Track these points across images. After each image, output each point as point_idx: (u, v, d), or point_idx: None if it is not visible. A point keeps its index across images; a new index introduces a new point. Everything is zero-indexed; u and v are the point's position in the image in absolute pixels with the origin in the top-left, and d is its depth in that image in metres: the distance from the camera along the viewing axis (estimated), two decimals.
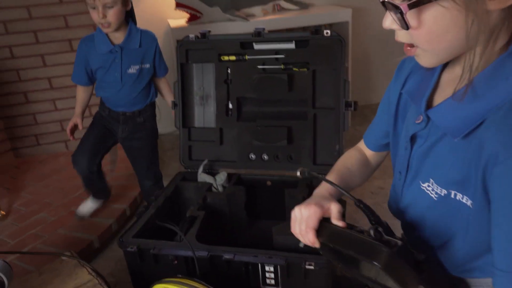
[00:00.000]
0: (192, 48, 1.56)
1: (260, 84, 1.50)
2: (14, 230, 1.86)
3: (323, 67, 1.46)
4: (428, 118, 0.65)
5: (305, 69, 1.48)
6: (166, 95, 1.96)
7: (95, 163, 1.85)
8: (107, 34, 1.71)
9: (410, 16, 0.55)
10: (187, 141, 1.61)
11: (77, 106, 1.87)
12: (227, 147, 1.59)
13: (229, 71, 1.55)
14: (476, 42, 0.54)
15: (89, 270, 1.09)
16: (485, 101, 0.55)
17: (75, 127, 1.86)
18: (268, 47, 1.50)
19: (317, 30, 1.45)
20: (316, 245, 0.74)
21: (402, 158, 0.73)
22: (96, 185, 1.92)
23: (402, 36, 0.60)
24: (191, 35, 1.56)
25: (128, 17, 1.76)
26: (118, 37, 1.72)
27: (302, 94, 1.49)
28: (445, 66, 0.66)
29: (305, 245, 1.13)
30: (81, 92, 1.86)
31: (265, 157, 1.54)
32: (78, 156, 1.83)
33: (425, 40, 0.58)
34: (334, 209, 0.72)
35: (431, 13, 0.54)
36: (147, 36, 1.78)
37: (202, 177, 1.51)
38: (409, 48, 0.61)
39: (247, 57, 1.52)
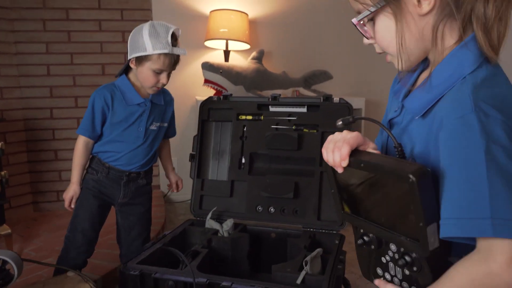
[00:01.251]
0: (214, 107, 1.74)
1: (272, 141, 1.63)
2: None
3: (331, 130, 1.59)
4: (403, 106, 0.77)
5: (315, 131, 1.61)
6: (165, 158, 1.83)
7: (94, 245, 1.66)
8: (133, 86, 1.58)
9: (369, 29, 0.71)
10: (200, 190, 1.70)
11: (78, 170, 1.59)
12: (237, 199, 1.67)
13: (245, 128, 1.70)
14: (423, 42, 0.68)
15: (92, 286, 1.13)
16: (440, 86, 0.67)
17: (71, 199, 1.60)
18: (282, 110, 1.66)
19: (327, 97, 1.61)
20: (344, 163, 0.70)
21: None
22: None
23: (376, 47, 0.75)
24: (214, 96, 1.75)
25: None
26: (144, 93, 1.60)
27: (311, 153, 1.60)
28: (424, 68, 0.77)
29: (302, 282, 1.16)
30: (84, 152, 1.58)
31: (272, 209, 1.61)
32: (77, 246, 1.60)
33: (384, 45, 0.72)
34: (372, 145, 0.76)
35: (379, 24, 0.69)
36: (168, 95, 1.73)
37: (210, 223, 1.57)
38: (387, 56, 0.75)
39: (262, 117, 1.67)
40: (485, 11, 0.62)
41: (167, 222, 2.54)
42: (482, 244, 0.58)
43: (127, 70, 1.60)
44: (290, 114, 1.64)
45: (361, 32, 0.73)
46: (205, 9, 2.88)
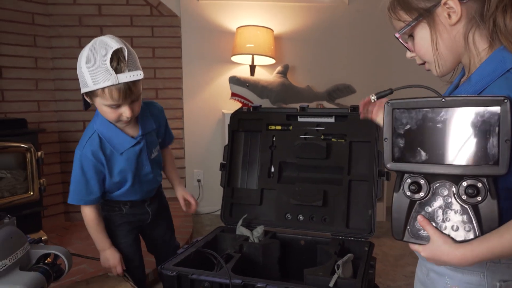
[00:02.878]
0: (244, 118, 1.80)
1: (301, 150, 1.67)
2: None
3: (359, 139, 1.63)
4: None
5: (343, 140, 1.65)
6: (169, 170, 1.59)
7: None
8: (118, 127, 1.30)
9: (411, 42, 0.82)
10: (230, 199, 1.75)
11: (101, 236, 1.40)
12: (266, 207, 1.71)
13: (274, 138, 1.75)
14: (456, 48, 0.78)
15: (132, 284, 1.18)
16: (481, 81, 0.75)
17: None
18: (310, 120, 1.71)
19: (354, 108, 1.65)
20: None
21: None
22: None
23: (417, 59, 0.85)
24: (245, 108, 1.81)
25: None
26: (131, 126, 1.33)
27: (339, 162, 1.64)
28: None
29: (335, 285, 1.19)
30: (95, 218, 1.37)
31: (301, 217, 1.65)
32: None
33: (421, 54, 0.82)
34: None
35: (417, 35, 0.81)
36: (155, 109, 1.45)
37: (240, 230, 1.61)
38: (426, 65, 0.84)
39: (291, 127, 1.72)
40: (505, 23, 0.71)
41: (194, 233, 2.59)
42: None
43: None
44: (318, 124, 1.69)
45: (404, 45, 0.84)
46: (232, 25, 2.97)
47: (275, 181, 1.71)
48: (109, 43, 1.14)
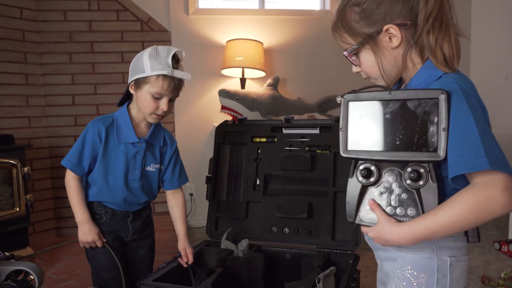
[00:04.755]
0: (229, 131, 1.79)
1: (286, 162, 1.66)
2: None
3: None
4: None
5: (327, 151, 1.64)
6: (176, 219, 1.55)
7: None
8: (132, 123, 1.41)
9: (356, 60, 0.91)
10: (215, 212, 1.73)
11: (80, 207, 1.40)
12: (251, 220, 1.70)
13: (259, 151, 1.74)
14: (397, 66, 0.88)
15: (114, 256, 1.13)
16: (418, 87, 0.85)
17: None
18: (295, 131, 1.70)
19: (339, 119, 1.64)
20: None
21: None
22: None
23: (362, 74, 0.94)
24: (230, 120, 1.81)
25: None
26: (142, 129, 1.43)
27: (324, 174, 1.62)
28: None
29: None
30: (77, 187, 1.40)
31: (286, 230, 1.63)
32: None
33: (367, 72, 0.91)
34: None
35: (362, 56, 0.90)
36: (170, 136, 1.52)
37: (225, 243, 1.59)
38: (371, 79, 0.94)
39: (276, 139, 1.71)
40: (428, 41, 0.83)
41: None
42: (481, 178, 0.73)
43: (129, 100, 1.45)
44: (303, 135, 1.68)
45: (351, 62, 0.93)
46: (222, 39, 2.99)
47: (261, 194, 1.69)
48: (171, 47, 1.36)
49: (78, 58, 2.84)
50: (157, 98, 1.33)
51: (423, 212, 0.80)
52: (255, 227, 1.68)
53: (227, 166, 1.79)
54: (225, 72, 2.92)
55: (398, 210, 0.82)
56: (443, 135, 0.77)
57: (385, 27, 0.84)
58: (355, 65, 0.92)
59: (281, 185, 1.70)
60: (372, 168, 0.84)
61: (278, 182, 1.71)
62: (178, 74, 1.33)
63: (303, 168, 1.64)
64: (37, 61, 2.78)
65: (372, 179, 0.85)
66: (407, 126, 0.80)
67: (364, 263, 1.72)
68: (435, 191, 0.79)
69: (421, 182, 0.80)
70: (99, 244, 1.41)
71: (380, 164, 0.84)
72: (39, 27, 2.78)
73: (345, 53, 0.91)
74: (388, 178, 0.83)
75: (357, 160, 0.86)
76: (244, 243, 1.57)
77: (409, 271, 0.86)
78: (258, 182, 1.72)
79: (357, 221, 0.87)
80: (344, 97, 0.87)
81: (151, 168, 1.46)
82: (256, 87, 3.03)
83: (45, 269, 2.29)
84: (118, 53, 2.89)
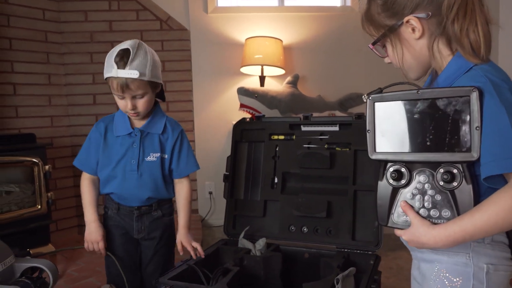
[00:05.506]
0: (247, 128, 1.76)
1: (304, 160, 1.62)
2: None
3: (364, 148, 1.57)
4: None
5: (347, 149, 1.60)
6: (178, 209, 1.50)
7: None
8: (129, 118, 1.42)
9: (383, 51, 0.92)
10: (233, 211, 1.71)
11: (89, 207, 1.44)
12: (269, 218, 1.67)
13: (277, 148, 1.71)
14: (424, 58, 0.86)
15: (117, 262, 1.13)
16: (446, 80, 0.83)
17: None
18: (314, 129, 1.66)
19: (359, 115, 1.60)
20: None
21: None
22: None
23: (394, 64, 0.93)
24: (247, 118, 1.78)
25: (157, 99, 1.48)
26: (140, 121, 1.43)
27: (343, 172, 1.58)
28: None
29: None
30: (88, 187, 1.44)
31: (305, 229, 1.59)
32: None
33: (395, 63, 0.91)
34: None
35: (388, 47, 0.90)
36: (172, 123, 1.47)
37: (242, 242, 1.57)
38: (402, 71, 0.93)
39: (294, 137, 1.68)
40: (453, 30, 0.81)
41: (203, 245, 2.55)
42: None
43: None
44: (322, 133, 1.64)
45: (377, 55, 0.94)
46: (241, 37, 2.97)
47: (279, 192, 1.66)
48: (124, 43, 1.29)
49: (99, 58, 2.87)
50: (121, 97, 1.32)
51: (458, 214, 0.77)
52: (273, 226, 1.65)
53: (244, 164, 1.77)
54: (244, 70, 2.89)
55: (432, 212, 0.80)
56: (476, 134, 0.74)
57: (406, 19, 0.83)
58: (382, 57, 0.93)
59: (300, 183, 1.67)
60: (403, 169, 0.82)
61: (296, 181, 1.67)
62: (122, 73, 1.26)
63: (322, 166, 1.60)
64: (59, 62, 2.82)
65: (403, 181, 0.83)
66: (437, 126, 0.78)
67: (386, 264, 1.67)
68: (470, 192, 0.76)
69: (455, 184, 0.77)
70: (100, 245, 1.42)
71: (411, 165, 0.82)
72: (61, 28, 2.82)
73: (369, 45, 0.91)
74: (419, 179, 0.82)
75: (386, 162, 0.85)
76: (261, 242, 1.54)
77: (445, 274, 0.83)
78: (276, 180, 1.69)
79: (389, 224, 0.85)
80: (370, 97, 0.85)
81: (151, 157, 1.42)
82: (276, 85, 3.00)
83: (66, 266, 2.32)
84: None
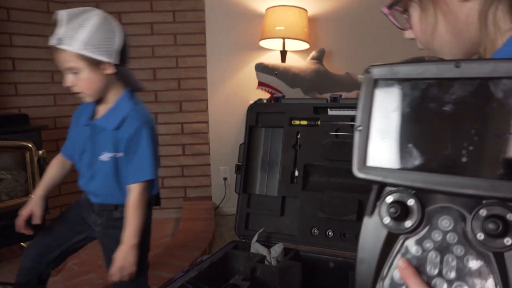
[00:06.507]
0: (263, 111, 1.51)
1: (331, 150, 1.36)
2: None
3: None
4: None
5: None
6: (128, 215, 1.26)
7: (48, 259, 1.37)
8: (100, 103, 1.29)
9: (403, 19, 0.66)
10: (246, 207, 1.48)
11: (41, 183, 1.37)
12: (288, 218, 1.42)
13: (298, 136, 1.45)
14: (469, 32, 0.59)
15: None
16: None
17: (29, 217, 1.33)
18: (343, 113, 1.39)
19: None
20: None
21: None
22: None
23: (418, 42, 0.69)
24: (264, 99, 1.52)
25: (125, 84, 1.31)
26: (101, 111, 1.30)
27: None
28: None
29: None
30: (55, 165, 1.40)
31: (330, 233, 1.34)
32: (32, 243, 1.41)
33: (420, 37, 0.66)
34: None
35: (413, 15, 0.64)
36: (132, 116, 1.26)
37: (256, 247, 1.34)
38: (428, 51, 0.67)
39: (319, 122, 1.41)
40: None
41: (216, 238, 2.35)
42: None
43: None
44: (352, 118, 1.37)
45: (395, 24, 0.67)
46: (261, 6, 2.68)
47: (299, 188, 1.41)
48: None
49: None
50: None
51: None
52: (292, 228, 1.41)
53: (260, 154, 1.52)
54: (263, 43, 2.62)
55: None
56: None
57: None
58: (402, 29, 0.68)
59: (325, 178, 1.41)
60: (411, 202, 0.49)
61: (321, 175, 1.41)
62: (50, 42, 1.17)
63: (352, 158, 1.33)
64: None
65: (408, 224, 0.49)
66: (487, 130, 0.44)
67: None
68: None
69: (508, 241, 0.43)
70: (20, 218, 1.33)
71: (426, 196, 0.48)
72: None
73: (383, 9, 0.64)
74: (440, 223, 0.47)
75: (382, 186, 0.52)
76: (278, 249, 1.31)
77: None
78: (296, 174, 1.43)
79: None
80: (370, 71, 0.51)
81: (104, 157, 1.26)
82: (298, 61, 2.72)
83: (68, 259, 2.16)
84: (148, 24, 2.66)
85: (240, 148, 1.52)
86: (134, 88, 1.33)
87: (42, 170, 1.87)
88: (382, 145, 0.50)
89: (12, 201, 1.77)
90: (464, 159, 0.44)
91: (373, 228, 0.52)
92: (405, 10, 0.64)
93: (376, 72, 0.51)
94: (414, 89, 0.48)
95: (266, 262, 1.29)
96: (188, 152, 2.78)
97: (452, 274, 0.45)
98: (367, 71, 0.51)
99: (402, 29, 0.68)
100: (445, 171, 0.45)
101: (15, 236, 1.82)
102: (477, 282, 0.44)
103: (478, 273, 0.44)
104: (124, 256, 1.23)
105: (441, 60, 0.49)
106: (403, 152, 0.48)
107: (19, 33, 2.42)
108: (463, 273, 0.45)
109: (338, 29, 2.75)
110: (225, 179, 2.81)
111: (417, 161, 0.47)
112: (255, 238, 1.36)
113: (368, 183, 0.52)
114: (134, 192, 1.26)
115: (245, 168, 1.50)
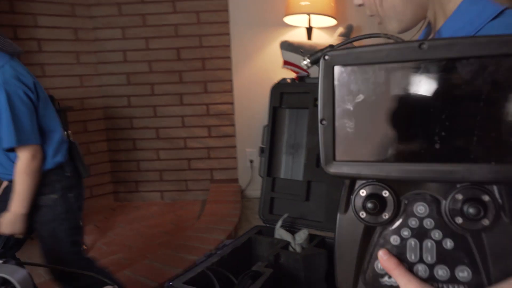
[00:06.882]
0: (287, 92, 1.44)
1: None
2: None
3: None
4: None
5: None
6: (14, 183, 1.24)
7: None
8: None
9: None
10: (270, 192, 1.43)
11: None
12: (313, 203, 1.37)
13: None
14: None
15: None
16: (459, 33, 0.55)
17: None
18: None
19: None
20: None
21: None
22: None
23: (366, 9, 0.65)
24: (288, 78, 1.46)
25: None
26: None
27: None
28: None
29: None
30: None
31: None
32: None
33: (370, 3, 0.63)
34: None
35: None
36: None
37: (280, 232, 1.30)
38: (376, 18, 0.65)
39: None
40: None
41: (242, 221, 2.33)
42: None
43: None
44: None
45: None
46: None
47: (325, 172, 1.35)
48: None
49: (128, 10, 2.60)
50: None
51: (487, 277, 0.44)
52: (317, 213, 1.35)
53: (285, 136, 1.46)
54: (288, 20, 2.51)
55: (438, 271, 0.45)
56: None
57: None
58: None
59: None
60: (385, 193, 0.47)
61: None
62: None
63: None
64: (86, 14, 2.58)
65: (386, 215, 0.47)
66: (459, 114, 0.43)
67: None
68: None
69: (485, 221, 0.44)
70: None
71: (400, 186, 0.47)
72: None
73: None
74: (415, 210, 0.47)
75: (354, 180, 0.49)
76: (302, 235, 1.26)
77: None
78: None
79: None
80: (327, 57, 0.46)
81: None
82: (325, 38, 2.61)
83: (97, 238, 2.19)
84: (170, 2, 2.60)
85: (264, 130, 1.47)
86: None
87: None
88: (350, 138, 0.47)
89: None
90: (437, 146, 0.43)
91: (349, 223, 0.50)
92: None
93: (335, 58, 0.46)
94: (377, 74, 0.45)
95: (290, 249, 1.25)
96: (214, 134, 2.75)
97: (433, 258, 0.46)
98: (324, 57, 0.46)
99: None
100: (419, 160, 0.44)
101: None
102: (457, 262, 0.45)
103: (457, 255, 0.45)
104: (10, 224, 1.22)
105: (403, 42, 0.45)
106: (373, 143, 0.47)
107: (43, 14, 2.42)
108: (442, 256, 0.45)
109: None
110: (251, 161, 2.77)
111: (389, 151, 0.45)
112: (279, 223, 1.32)
113: (341, 178, 0.49)
114: (18, 159, 1.22)
115: (269, 151, 1.46)
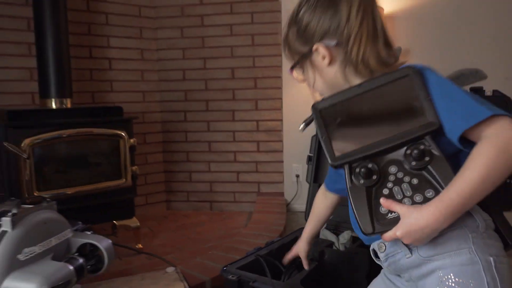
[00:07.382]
0: None
1: None
2: (144, 263, 1.96)
3: None
4: None
5: None
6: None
7: None
8: None
9: (300, 76, 0.92)
10: None
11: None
12: None
13: None
14: (338, 84, 0.84)
15: (186, 285, 1.04)
16: None
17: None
18: None
19: (476, 90, 1.30)
20: None
21: None
22: None
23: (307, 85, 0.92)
24: None
25: None
26: None
27: None
28: None
29: None
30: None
31: None
32: None
33: (309, 87, 0.90)
34: None
35: (305, 73, 0.89)
36: None
37: (324, 233, 1.39)
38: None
39: None
40: (357, 58, 0.81)
41: (286, 231, 2.41)
42: (488, 129, 0.69)
43: None
44: None
45: (294, 78, 0.94)
46: None
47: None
48: None
49: (189, 33, 2.84)
50: None
51: (443, 188, 0.71)
52: None
53: None
54: None
55: (416, 198, 0.74)
56: (428, 104, 0.74)
57: (314, 47, 0.84)
58: (300, 82, 0.94)
59: None
60: (370, 165, 0.76)
61: None
62: None
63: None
64: (152, 36, 2.84)
65: (374, 177, 0.76)
66: (389, 111, 0.78)
67: None
68: (445, 161, 0.72)
69: (426, 158, 0.73)
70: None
71: (377, 159, 0.77)
72: (154, 2, 2.83)
73: (288, 70, 0.94)
74: (390, 170, 0.76)
75: (350, 164, 0.78)
76: (346, 236, 1.34)
77: (453, 280, 0.73)
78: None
79: (377, 230, 0.75)
80: (314, 106, 0.82)
81: None
82: None
83: (150, 240, 2.35)
84: (227, 26, 2.81)
85: (312, 140, 1.58)
86: None
87: (133, 157, 2.07)
88: (339, 141, 0.80)
89: (107, 183, 1.99)
90: (385, 129, 0.77)
91: (355, 191, 0.77)
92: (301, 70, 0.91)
93: (318, 105, 0.81)
94: (344, 105, 0.79)
95: (334, 248, 1.33)
96: (262, 149, 2.89)
97: (410, 192, 0.74)
98: (313, 107, 0.82)
99: (300, 82, 0.94)
100: (379, 139, 0.76)
101: (109, 215, 2.06)
102: (425, 189, 0.73)
103: (422, 185, 0.73)
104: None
105: (350, 88, 0.80)
106: (353, 140, 0.79)
107: (115, 36, 2.69)
108: (415, 189, 0.74)
109: (416, 28, 2.68)
110: (297, 176, 2.87)
111: (362, 141, 0.77)
112: (325, 225, 1.40)
113: (342, 166, 0.79)
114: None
115: (316, 159, 1.56)
